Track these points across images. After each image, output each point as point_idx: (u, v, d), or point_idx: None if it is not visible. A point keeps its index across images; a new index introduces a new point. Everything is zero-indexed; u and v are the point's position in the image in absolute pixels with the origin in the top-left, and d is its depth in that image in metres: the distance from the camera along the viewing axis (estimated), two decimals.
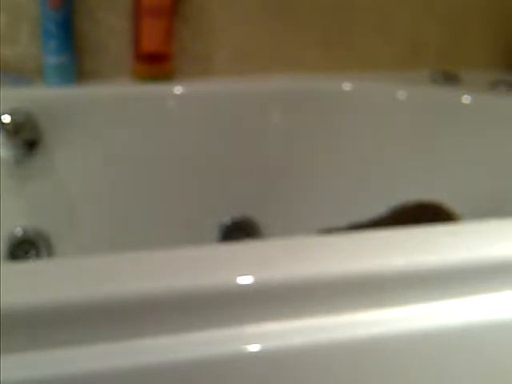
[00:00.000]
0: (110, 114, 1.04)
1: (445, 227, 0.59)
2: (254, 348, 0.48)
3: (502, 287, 0.54)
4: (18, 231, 1.01)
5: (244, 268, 0.49)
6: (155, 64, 1.08)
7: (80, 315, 0.44)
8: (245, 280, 0.48)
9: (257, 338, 0.48)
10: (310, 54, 1.22)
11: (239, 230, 1.13)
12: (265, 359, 0.48)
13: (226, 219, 1.13)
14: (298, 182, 1.16)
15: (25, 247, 1.02)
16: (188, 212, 1.10)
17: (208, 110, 1.10)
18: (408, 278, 0.51)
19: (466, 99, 1.11)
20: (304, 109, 1.16)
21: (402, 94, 1.15)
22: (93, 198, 1.05)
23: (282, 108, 1.15)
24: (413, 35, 1.26)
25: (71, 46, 1.02)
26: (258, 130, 1.14)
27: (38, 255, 1.02)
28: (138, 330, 0.46)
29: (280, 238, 0.55)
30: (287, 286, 0.49)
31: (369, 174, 1.15)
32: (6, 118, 0.96)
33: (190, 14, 1.11)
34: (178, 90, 1.08)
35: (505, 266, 0.54)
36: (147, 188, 1.08)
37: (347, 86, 1.17)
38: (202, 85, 1.12)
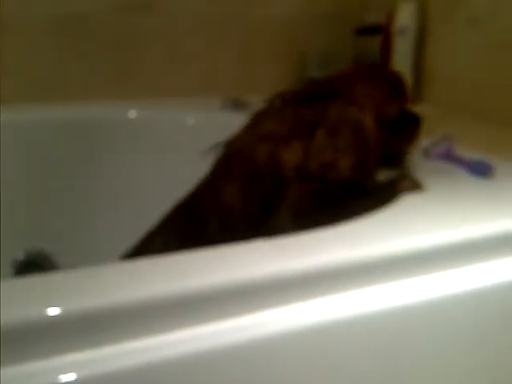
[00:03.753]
0: None
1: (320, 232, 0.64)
2: (69, 378, 0.48)
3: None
4: None
5: (52, 299, 0.50)
6: None
7: None
8: (53, 311, 0.48)
9: (71, 367, 0.48)
10: (101, 83, 1.23)
11: (34, 265, 1.10)
12: None
13: (20, 254, 1.09)
14: (87, 211, 1.15)
15: None
16: None
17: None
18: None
19: None
20: (92, 137, 1.16)
21: (188, 120, 1.20)
22: None
23: (72, 136, 1.15)
24: (206, 64, 1.32)
25: None
26: (53, 158, 1.12)
27: None
28: None
29: (86, 268, 0.55)
30: (100, 313, 0.50)
31: (158, 197, 1.18)
32: None
33: None
34: None
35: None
36: None
37: (133, 114, 1.20)
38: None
